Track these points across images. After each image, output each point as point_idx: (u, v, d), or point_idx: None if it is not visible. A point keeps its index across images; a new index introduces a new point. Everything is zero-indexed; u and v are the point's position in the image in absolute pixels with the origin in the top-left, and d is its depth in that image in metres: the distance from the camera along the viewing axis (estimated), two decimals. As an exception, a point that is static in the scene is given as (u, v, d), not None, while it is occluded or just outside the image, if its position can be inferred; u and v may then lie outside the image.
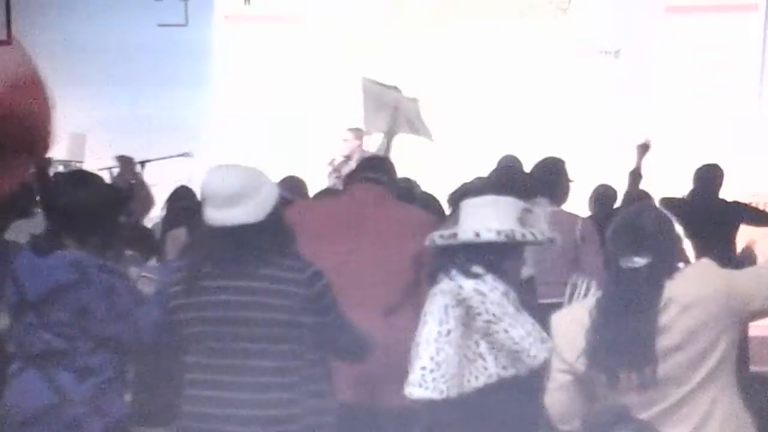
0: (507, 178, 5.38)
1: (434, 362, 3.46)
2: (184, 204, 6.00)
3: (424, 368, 3.47)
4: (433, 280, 3.59)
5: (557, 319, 3.30)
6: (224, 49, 11.18)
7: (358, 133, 9.19)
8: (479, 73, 10.50)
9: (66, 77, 10.92)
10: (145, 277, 4.35)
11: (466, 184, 5.34)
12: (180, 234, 5.19)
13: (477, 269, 3.47)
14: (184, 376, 3.35)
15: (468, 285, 3.45)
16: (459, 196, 5.12)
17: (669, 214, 3.34)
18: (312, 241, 3.75)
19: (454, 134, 10.30)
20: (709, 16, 10.14)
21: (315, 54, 10.90)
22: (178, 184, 6.94)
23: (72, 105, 10.75)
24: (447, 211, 6.80)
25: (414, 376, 3.50)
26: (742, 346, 4.52)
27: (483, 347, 3.44)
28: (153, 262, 4.44)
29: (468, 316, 3.44)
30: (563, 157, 5.78)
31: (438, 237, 3.58)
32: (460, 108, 10.46)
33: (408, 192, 6.34)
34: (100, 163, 9.33)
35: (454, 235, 3.53)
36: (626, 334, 3.04)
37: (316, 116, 10.53)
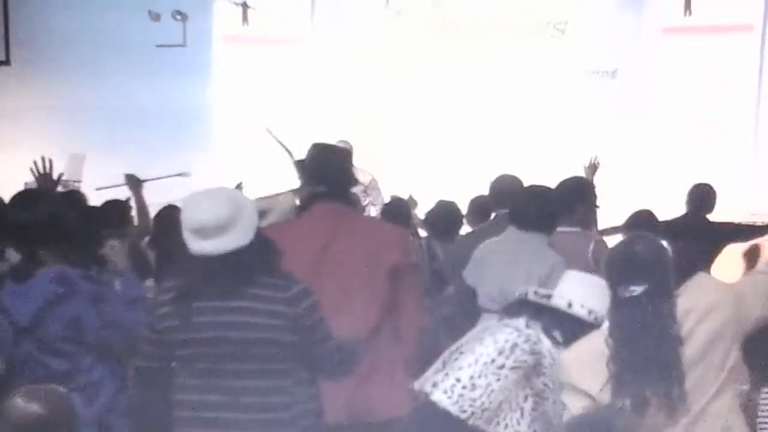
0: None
1: (471, 382, 3.50)
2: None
3: (458, 380, 3.52)
4: (509, 314, 3.68)
5: (567, 355, 3.37)
6: (223, 69, 11.21)
7: (346, 145, 9.25)
8: (477, 93, 10.53)
9: (64, 97, 10.97)
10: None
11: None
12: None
13: (557, 335, 3.56)
14: (174, 397, 3.34)
15: (546, 343, 3.54)
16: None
17: (660, 237, 3.40)
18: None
19: (451, 154, 10.33)
20: (705, 36, 10.17)
21: (313, 75, 10.94)
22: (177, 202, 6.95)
23: (70, 127, 10.79)
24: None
25: (444, 381, 3.54)
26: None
27: (529, 404, 3.50)
28: (150, 282, 4.43)
29: (534, 369, 3.50)
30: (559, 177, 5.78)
31: (533, 293, 3.66)
32: (457, 128, 10.49)
33: (398, 212, 6.40)
34: (98, 183, 9.37)
35: (549, 296, 3.63)
36: (648, 359, 3.09)
37: (314, 136, 10.53)
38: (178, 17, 10.77)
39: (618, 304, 3.22)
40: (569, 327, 3.56)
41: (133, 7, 10.79)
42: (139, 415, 3.71)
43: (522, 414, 3.48)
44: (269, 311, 3.26)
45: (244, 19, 11.06)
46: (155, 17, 10.75)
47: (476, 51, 10.63)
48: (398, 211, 6.45)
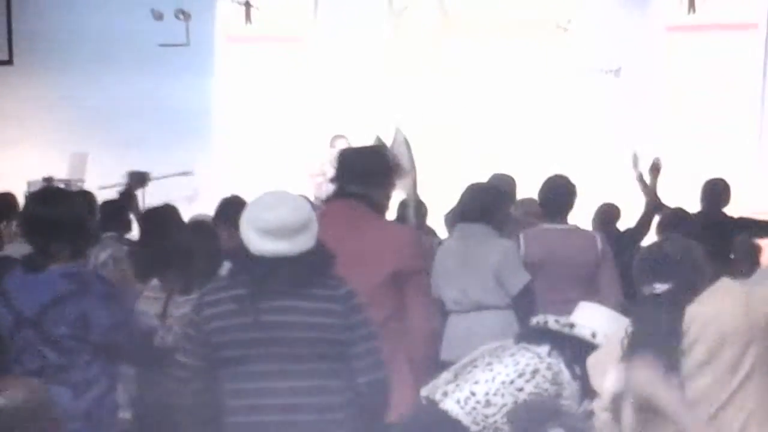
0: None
1: (486, 398, 3.51)
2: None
3: (473, 394, 3.52)
4: (528, 340, 3.66)
5: (593, 359, 3.34)
6: (226, 68, 11.21)
7: (344, 140, 9.26)
8: (480, 91, 10.53)
9: (66, 97, 10.97)
10: (148, 296, 4.34)
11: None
12: None
13: (577, 370, 3.55)
14: (227, 403, 3.29)
15: (567, 375, 3.55)
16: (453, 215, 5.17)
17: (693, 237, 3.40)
18: None
19: (455, 151, 10.33)
20: (709, 34, 10.17)
21: (316, 73, 10.94)
22: (178, 201, 6.94)
23: (73, 126, 10.80)
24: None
25: (457, 392, 3.54)
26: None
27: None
28: (154, 282, 4.41)
29: (553, 400, 3.51)
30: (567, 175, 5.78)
31: (554, 321, 3.66)
32: (460, 126, 10.49)
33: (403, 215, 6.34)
34: (101, 182, 9.37)
35: (571, 326, 3.63)
36: (654, 357, 3.08)
37: (316, 135, 10.54)
38: (181, 16, 10.77)
39: (640, 302, 3.21)
40: (585, 355, 3.49)
41: (136, 7, 10.78)
42: (181, 416, 3.65)
43: None
44: (328, 310, 3.25)
45: (247, 18, 11.07)
46: (158, 16, 10.75)
47: (480, 48, 10.63)
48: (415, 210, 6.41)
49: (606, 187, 8.39)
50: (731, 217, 7.15)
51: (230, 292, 3.28)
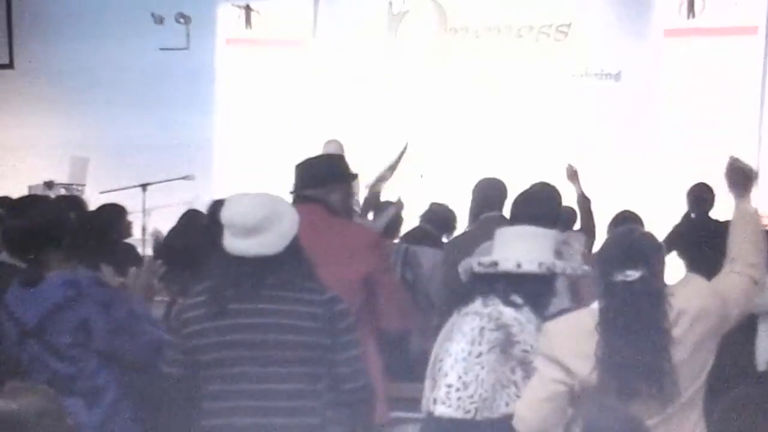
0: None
1: (461, 381, 3.50)
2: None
3: (450, 386, 3.52)
4: (464, 302, 3.63)
5: (554, 326, 3.29)
6: (226, 72, 11.21)
7: (336, 145, 9.25)
8: (480, 95, 10.53)
9: (68, 101, 10.99)
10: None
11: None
12: None
13: (516, 299, 3.53)
14: (203, 406, 3.29)
15: (508, 312, 3.50)
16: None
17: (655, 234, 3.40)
18: None
19: (454, 156, 10.33)
20: (708, 39, 10.16)
21: (316, 77, 10.94)
22: (179, 206, 6.95)
23: (74, 128, 10.81)
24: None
25: (439, 393, 3.53)
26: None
27: (518, 375, 3.49)
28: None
29: (507, 341, 3.48)
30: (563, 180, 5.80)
31: (477, 264, 3.63)
32: (459, 129, 10.49)
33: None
34: (101, 186, 9.38)
35: (495, 263, 3.59)
36: (639, 346, 3.07)
37: (317, 138, 10.54)
38: (182, 20, 10.78)
39: (611, 289, 3.16)
40: (526, 285, 3.54)
41: (136, 11, 10.80)
42: (157, 421, 3.68)
43: (516, 386, 3.49)
44: (306, 314, 3.25)
45: (248, 22, 11.08)
46: (159, 20, 10.76)
47: (479, 53, 10.63)
48: (438, 216, 6.42)
49: (605, 190, 8.39)
50: (717, 221, 7.19)
51: (206, 295, 3.29)
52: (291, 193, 4.29)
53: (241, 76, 11.14)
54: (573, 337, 3.19)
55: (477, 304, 3.59)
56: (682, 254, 7.00)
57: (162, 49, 10.76)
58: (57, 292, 3.53)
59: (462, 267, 3.70)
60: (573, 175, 6.96)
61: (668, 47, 10.29)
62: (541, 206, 4.45)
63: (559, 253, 3.65)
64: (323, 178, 4.25)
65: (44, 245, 3.58)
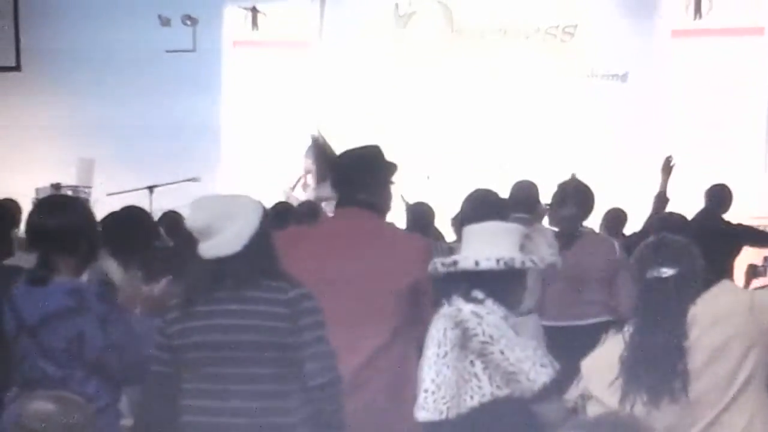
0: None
1: (434, 384, 3.52)
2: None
3: (426, 391, 3.54)
4: (436, 306, 3.65)
5: (588, 362, 3.31)
6: (233, 74, 11.23)
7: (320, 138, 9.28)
8: (487, 96, 10.53)
9: (74, 104, 11.00)
10: None
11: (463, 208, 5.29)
12: None
13: (477, 294, 3.53)
14: (181, 402, 3.35)
15: (466, 308, 3.51)
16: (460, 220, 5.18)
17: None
18: (295, 272, 3.46)
19: (460, 157, 10.33)
20: (715, 39, 10.16)
21: (323, 79, 10.95)
22: (184, 208, 6.95)
23: (80, 132, 10.82)
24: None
25: (419, 399, 3.56)
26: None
27: (478, 367, 3.49)
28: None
29: (464, 337, 3.48)
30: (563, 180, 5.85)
31: (440, 264, 3.63)
32: (466, 131, 10.49)
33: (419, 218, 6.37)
34: (108, 188, 9.39)
35: (455, 262, 3.59)
36: (659, 347, 3.08)
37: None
38: (188, 22, 10.80)
39: (645, 286, 3.19)
40: (488, 281, 3.53)
41: (142, 13, 10.82)
42: (144, 420, 3.71)
43: (477, 377, 3.49)
44: (269, 313, 3.26)
45: (254, 23, 11.10)
46: (165, 22, 10.78)
47: (486, 54, 10.64)
48: (419, 217, 6.43)
49: (612, 191, 8.38)
50: (730, 223, 7.21)
51: (180, 297, 3.38)
52: (336, 190, 4.15)
53: (247, 78, 11.15)
54: (605, 370, 3.20)
55: (443, 309, 3.60)
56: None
57: (168, 51, 10.77)
58: (59, 299, 3.53)
59: (431, 269, 3.71)
60: (667, 168, 6.99)
61: (675, 48, 10.29)
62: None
63: (523, 247, 3.65)
64: (372, 181, 4.06)
65: (58, 247, 3.59)
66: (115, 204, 6.74)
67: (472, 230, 3.71)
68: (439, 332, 3.54)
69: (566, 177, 6.13)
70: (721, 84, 10.08)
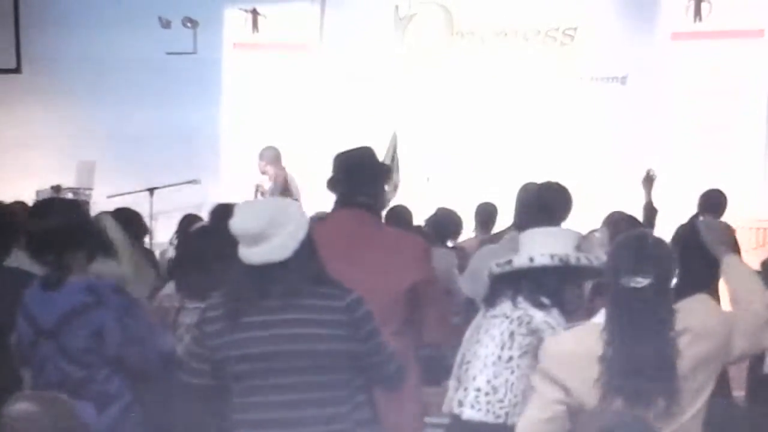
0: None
1: (491, 386, 3.51)
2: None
3: (478, 390, 3.52)
4: (490, 304, 3.65)
5: (554, 345, 3.23)
6: (233, 76, 11.23)
7: (272, 151, 9.29)
8: (486, 98, 10.54)
9: (74, 106, 11.01)
10: (161, 306, 4.34)
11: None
12: None
13: (544, 300, 3.53)
14: (233, 417, 3.26)
15: (539, 316, 3.50)
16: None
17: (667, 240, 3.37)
18: None
19: (461, 160, 10.34)
20: (715, 42, 10.16)
21: (323, 81, 10.95)
22: (186, 210, 6.95)
23: (81, 134, 10.83)
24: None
25: (467, 397, 3.54)
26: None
27: None
28: (170, 286, 4.39)
29: (539, 347, 3.41)
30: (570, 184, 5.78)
31: (495, 266, 3.64)
32: (467, 133, 10.49)
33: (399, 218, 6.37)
34: (108, 190, 9.40)
35: (509, 262, 3.61)
36: (646, 352, 3.04)
37: (322, 142, 10.55)
38: (189, 24, 10.81)
39: (619, 294, 3.10)
40: (547, 282, 3.54)
41: (143, 15, 10.82)
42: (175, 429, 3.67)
43: None
44: (328, 321, 3.20)
45: (254, 26, 11.11)
46: (166, 24, 10.79)
47: (486, 57, 10.64)
48: (400, 217, 6.42)
49: (612, 194, 8.39)
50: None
51: (222, 308, 3.25)
52: (335, 191, 4.12)
53: (248, 80, 11.15)
54: (572, 357, 3.14)
55: (505, 307, 3.58)
56: (681, 257, 6.99)
57: (169, 53, 10.78)
58: (76, 297, 3.55)
59: (487, 270, 3.71)
60: (649, 181, 7.00)
61: (675, 50, 10.29)
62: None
63: (579, 249, 3.65)
64: (371, 183, 4.06)
65: (66, 247, 3.60)
66: (116, 206, 6.77)
67: (529, 234, 3.74)
68: (503, 334, 3.53)
69: (567, 178, 6.10)
70: (720, 87, 10.08)
